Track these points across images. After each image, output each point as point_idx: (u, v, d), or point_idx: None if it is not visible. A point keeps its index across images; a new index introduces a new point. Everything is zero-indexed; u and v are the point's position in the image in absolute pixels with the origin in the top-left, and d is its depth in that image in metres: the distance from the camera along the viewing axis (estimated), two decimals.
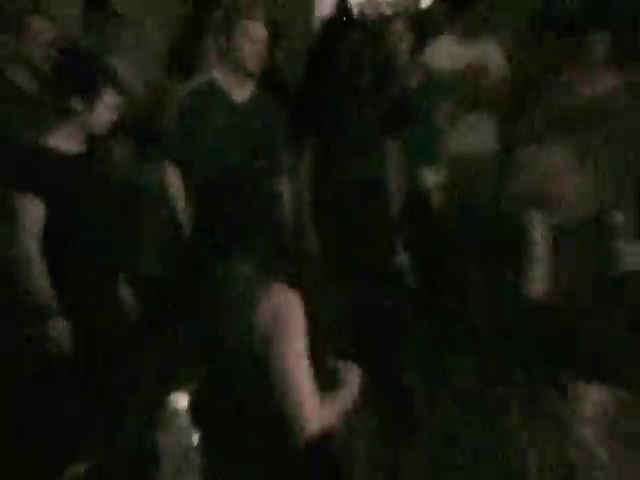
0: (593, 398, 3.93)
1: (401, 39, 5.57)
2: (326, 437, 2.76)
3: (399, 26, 5.62)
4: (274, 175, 4.49)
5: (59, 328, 3.70)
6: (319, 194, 5.12)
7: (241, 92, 4.63)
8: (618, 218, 4.53)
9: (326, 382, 2.77)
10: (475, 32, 5.95)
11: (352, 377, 2.92)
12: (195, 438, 2.54)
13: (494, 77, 5.91)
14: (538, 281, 4.20)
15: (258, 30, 4.50)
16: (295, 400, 2.61)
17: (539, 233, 4.48)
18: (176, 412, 2.53)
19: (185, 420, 2.53)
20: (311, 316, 2.65)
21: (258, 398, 2.66)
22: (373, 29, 5.87)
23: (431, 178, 5.47)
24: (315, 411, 2.64)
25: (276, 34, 5.38)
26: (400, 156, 5.25)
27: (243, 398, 2.70)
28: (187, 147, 4.53)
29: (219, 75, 4.63)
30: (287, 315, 2.62)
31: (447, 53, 5.89)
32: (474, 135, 5.88)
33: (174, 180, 4.60)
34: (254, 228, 2.75)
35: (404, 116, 5.31)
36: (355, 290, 4.74)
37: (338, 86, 5.17)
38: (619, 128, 5.13)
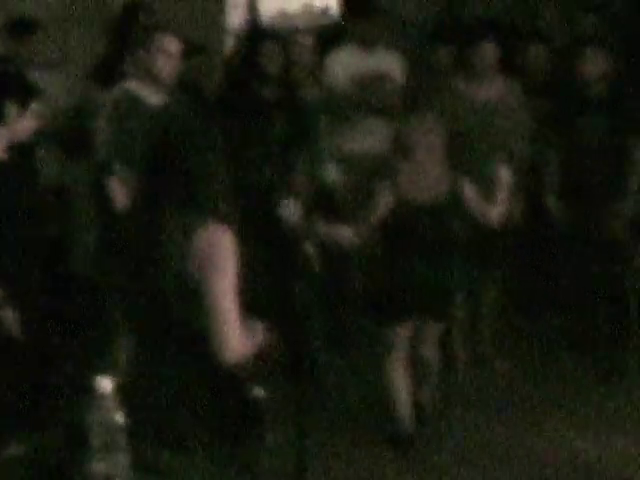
0: None
1: (306, 51, 5.87)
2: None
3: (305, 38, 5.91)
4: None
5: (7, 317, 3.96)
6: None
7: (156, 99, 4.99)
8: None
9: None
10: (372, 42, 6.33)
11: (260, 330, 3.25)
12: (120, 418, 2.73)
13: (390, 85, 6.30)
14: None
15: (173, 45, 4.83)
16: (223, 325, 2.95)
17: None
18: (102, 395, 2.72)
19: (110, 402, 2.72)
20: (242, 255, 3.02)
21: (189, 327, 2.99)
22: (281, 42, 6.15)
23: (332, 177, 5.77)
24: (239, 342, 2.98)
25: (189, 48, 5.65)
26: (304, 161, 5.64)
27: (177, 327, 3.05)
28: (111, 148, 4.95)
29: (136, 85, 4.97)
30: (219, 250, 2.96)
31: (346, 63, 6.27)
32: (371, 138, 6.23)
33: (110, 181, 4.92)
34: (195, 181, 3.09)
35: (306, 125, 5.63)
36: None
37: (247, 97, 5.50)
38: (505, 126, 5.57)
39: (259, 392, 3.27)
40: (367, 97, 6.22)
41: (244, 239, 4.64)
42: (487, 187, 5.31)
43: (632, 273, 6.05)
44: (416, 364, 5.17)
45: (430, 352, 5.23)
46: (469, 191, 5.04)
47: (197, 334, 3.05)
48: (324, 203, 5.75)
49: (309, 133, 5.72)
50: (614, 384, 5.85)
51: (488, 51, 5.76)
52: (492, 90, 5.83)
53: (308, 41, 5.96)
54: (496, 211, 5.22)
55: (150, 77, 5.02)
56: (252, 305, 3.18)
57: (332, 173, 5.80)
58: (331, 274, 5.65)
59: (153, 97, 5.06)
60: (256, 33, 7.97)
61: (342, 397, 5.66)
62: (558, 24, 7.66)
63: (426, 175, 4.90)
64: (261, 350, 3.28)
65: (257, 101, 5.52)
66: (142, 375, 3.22)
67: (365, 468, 4.93)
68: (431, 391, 5.33)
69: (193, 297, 3.03)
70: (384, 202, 4.88)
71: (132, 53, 5.32)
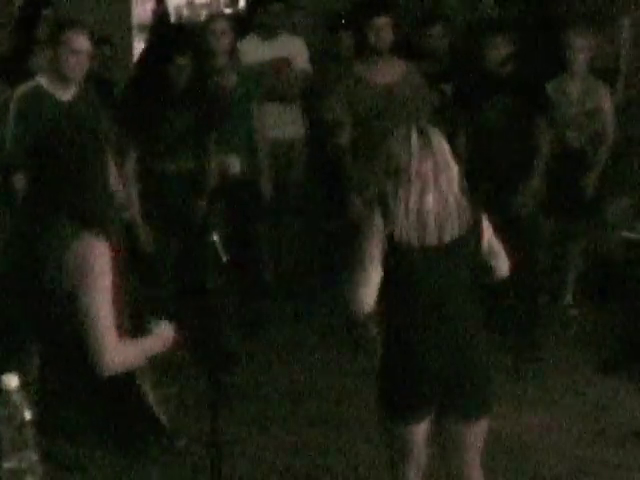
0: None
1: (220, 39, 5.89)
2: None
3: (218, 26, 5.94)
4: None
5: None
6: (144, 186, 5.51)
7: (65, 94, 5.00)
8: None
9: (138, 329, 3.13)
10: (275, 31, 6.48)
11: (164, 331, 3.26)
12: (28, 414, 2.73)
13: (296, 70, 6.45)
14: None
15: (81, 41, 4.84)
16: (97, 338, 2.96)
17: None
18: (8, 391, 2.72)
19: (17, 397, 2.72)
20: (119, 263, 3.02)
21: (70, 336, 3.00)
22: (193, 31, 6.15)
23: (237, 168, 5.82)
24: (114, 353, 2.98)
25: (97, 43, 5.66)
26: (217, 147, 5.70)
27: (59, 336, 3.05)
28: (17, 143, 4.98)
29: (45, 81, 5.01)
30: (94, 259, 2.97)
31: (254, 50, 6.37)
32: (284, 123, 6.36)
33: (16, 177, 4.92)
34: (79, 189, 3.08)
35: (221, 112, 5.67)
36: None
37: (161, 88, 5.50)
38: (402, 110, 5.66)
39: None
40: (273, 83, 6.32)
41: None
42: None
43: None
44: None
45: (469, 470, 3.68)
46: None
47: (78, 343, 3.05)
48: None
49: (224, 120, 5.76)
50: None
51: (382, 29, 5.78)
52: (392, 74, 5.89)
53: (224, 27, 5.98)
54: None
55: (59, 73, 5.03)
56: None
57: (237, 164, 5.82)
58: None
59: (62, 93, 5.09)
60: (170, 24, 8.04)
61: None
62: (457, 5, 7.75)
63: None
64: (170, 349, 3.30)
65: (171, 91, 5.52)
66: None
67: None
68: None
69: (69, 307, 3.03)
70: None
71: (40, 49, 5.30)
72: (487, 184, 5.64)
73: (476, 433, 3.57)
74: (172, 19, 8.56)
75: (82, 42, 5.00)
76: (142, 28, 8.03)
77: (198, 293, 4.71)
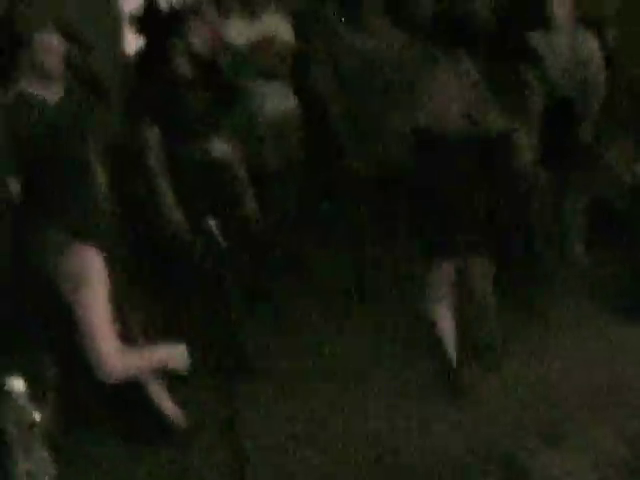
0: None
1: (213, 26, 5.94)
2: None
3: (210, 14, 5.97)
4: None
5: None
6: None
7: (51, 95, 5.00)
8: None
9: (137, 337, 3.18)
10: (258, 9, 6.48)
11: (167, 345, 3.30)
12: (36, 415, 2.78)
13: (282, 45, 6.44)
14: None
15: (53, 41, 4.86)
16: (96, 347, 3.00)
17: None
18: (16, 395, 2.77)
19: (25, 401, 2.77)
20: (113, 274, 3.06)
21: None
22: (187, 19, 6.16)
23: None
24: (114, 360, 3.02)
25: (73, 40, 5.66)
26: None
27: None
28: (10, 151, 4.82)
29: (28, 84, 4.99)
30: (87, 268, 3.01)
31: (240, 31, 6.39)
32: (279, 99, 6.38)
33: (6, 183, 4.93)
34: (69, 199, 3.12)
35: (228, 98, 5.70)
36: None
37: (167, 77, 5.51)
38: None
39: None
40: (261, 61, 6.34)
41: None
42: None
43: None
44: (471, 300, 5.14)
45: (482, 286, 5.13)
46: None
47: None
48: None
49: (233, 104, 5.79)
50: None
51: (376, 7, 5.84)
52: (380, 36, 5.93)
53: (212, 15, 6.02)
54: None
55: (39, 75, 5.05)
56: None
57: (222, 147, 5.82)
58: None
59: (47, 94, 5.09)
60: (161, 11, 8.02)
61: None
62: None
63: None
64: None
65: (174, 80, 5.53)
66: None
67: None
68: (489, 329, 5.25)
69: (67, 314, 3.07)
70: None
71: (20, 52, 5.32)
72: None
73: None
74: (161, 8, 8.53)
75: (54, 41, 5.03)
76: (131, 18, 7.99)
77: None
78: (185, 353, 3.40)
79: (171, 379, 3.82)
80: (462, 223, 4.90)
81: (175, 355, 3.33)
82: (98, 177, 4.60)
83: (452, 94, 4.69)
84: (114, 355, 3.05)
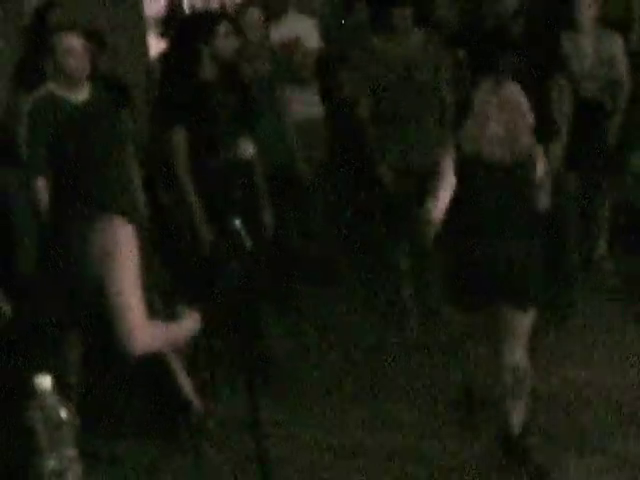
0: None
1: (255, 27, 5.97)
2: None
3: (254, 15, 5.99)
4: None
5: None
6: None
7: (77, 95, 5.10)
8: None
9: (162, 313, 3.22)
10: (283, 12, 6.57)
11: (189, 318, 3.34)
12: (64, 413, 2.79)
13: (307, 48, 6.49)
14: None
15: (75, 43, 4.92)
16: (124, 318, 3.04)
17: None
18: (44, 393, 2.77)
19: (53, 399, 2.78)
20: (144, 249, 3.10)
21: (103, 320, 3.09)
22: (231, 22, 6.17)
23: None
24: (142, 332, 3.06)
25: (100, 42, 5.71)
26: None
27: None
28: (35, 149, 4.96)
29: (54, 86, 5.05)
30: (118, 240, 3.05)
31: (269, 34, 6.42)
32: (306, 104, 6.42)
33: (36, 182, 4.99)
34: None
35: (255, 102, 5.70)
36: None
37: (193, 82, 5.49)
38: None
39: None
40: (287, 64, 6.36)
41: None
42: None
43: None
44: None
45: (516, 355, 4.46)
46: None
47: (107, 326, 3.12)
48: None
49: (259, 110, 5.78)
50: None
51: (406, 13, 5.84)
52: (410, 45, 5.92)
53: (256, 16, 6.04)
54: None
55: (64, 77, 5.11)
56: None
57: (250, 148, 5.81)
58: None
59: (74, 95, 5.15)
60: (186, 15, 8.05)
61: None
62: None
63: None
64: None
65: (200, 85, 5.52)
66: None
67: None
68: (520, 410, 4.50)
69: (97, 290, 3.10)
70: None
71: (48, 55, 5.37)
72: None
73: (523, 321, 4.36)
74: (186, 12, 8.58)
75: (75, 43, 5.08)
76: (155, 22, 8.06)
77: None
78: (196, 315, 3.42)
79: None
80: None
81: (190, 322, 3.37)
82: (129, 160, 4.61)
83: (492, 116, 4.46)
84: (142, 327, 3.09)
